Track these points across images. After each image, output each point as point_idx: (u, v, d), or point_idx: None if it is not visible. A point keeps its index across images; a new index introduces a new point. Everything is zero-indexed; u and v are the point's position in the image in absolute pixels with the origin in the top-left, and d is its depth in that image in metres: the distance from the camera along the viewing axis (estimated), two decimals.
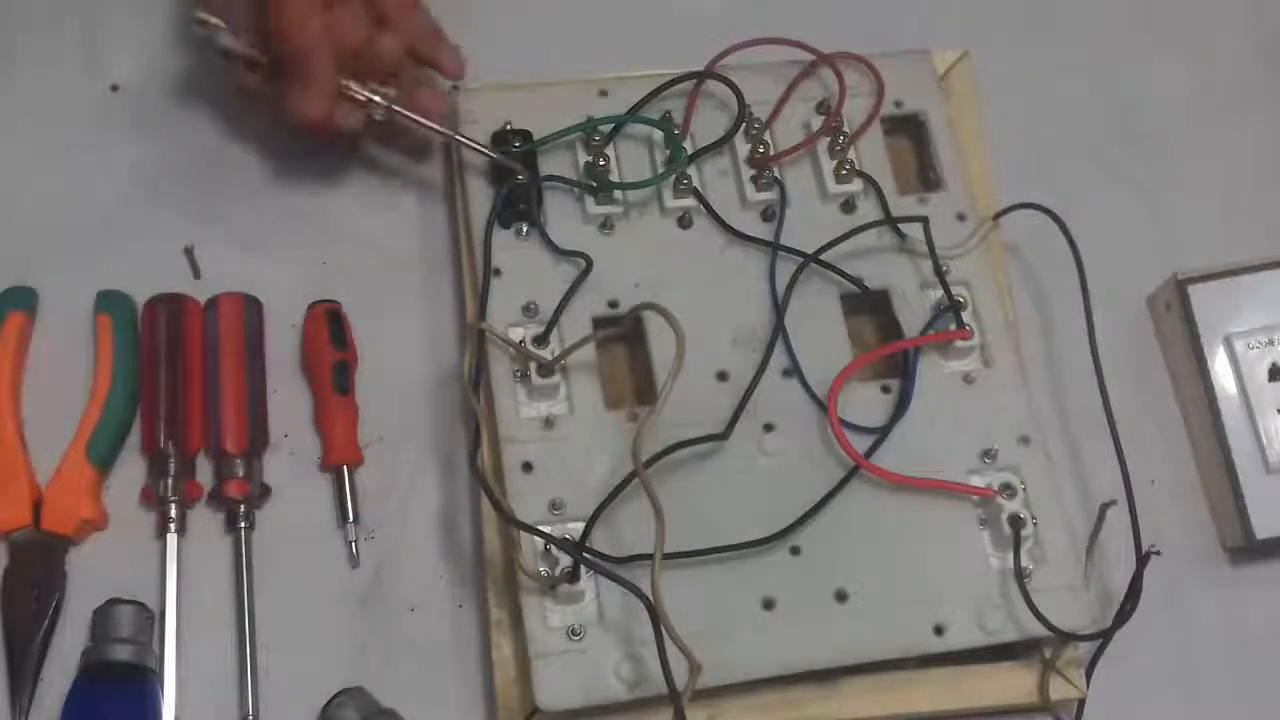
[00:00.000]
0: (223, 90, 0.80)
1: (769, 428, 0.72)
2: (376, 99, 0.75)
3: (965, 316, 0.75)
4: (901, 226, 0.77)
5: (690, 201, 0.77)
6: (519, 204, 0.76)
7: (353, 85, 0.75)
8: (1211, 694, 0.76)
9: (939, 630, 0.70)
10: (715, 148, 0.78)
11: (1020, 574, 0.70)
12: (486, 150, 0.76)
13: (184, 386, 0.75)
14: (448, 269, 0.80)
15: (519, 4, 0.87)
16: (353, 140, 0.79)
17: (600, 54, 0.84)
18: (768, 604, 0.69)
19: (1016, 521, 0.70)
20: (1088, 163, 0.86)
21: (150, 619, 0.71)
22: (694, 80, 0.79)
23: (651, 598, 0.63)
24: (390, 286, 0.80)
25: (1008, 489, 0.72)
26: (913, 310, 0.76)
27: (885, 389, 0.74)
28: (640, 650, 0.67)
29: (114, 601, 0.70)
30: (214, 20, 0.74)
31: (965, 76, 0.84)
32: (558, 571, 0.67)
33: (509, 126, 0.78)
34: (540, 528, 0.68)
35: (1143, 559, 0.71)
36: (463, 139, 0.76)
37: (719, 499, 0.71)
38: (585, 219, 0.77)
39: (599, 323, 0.74)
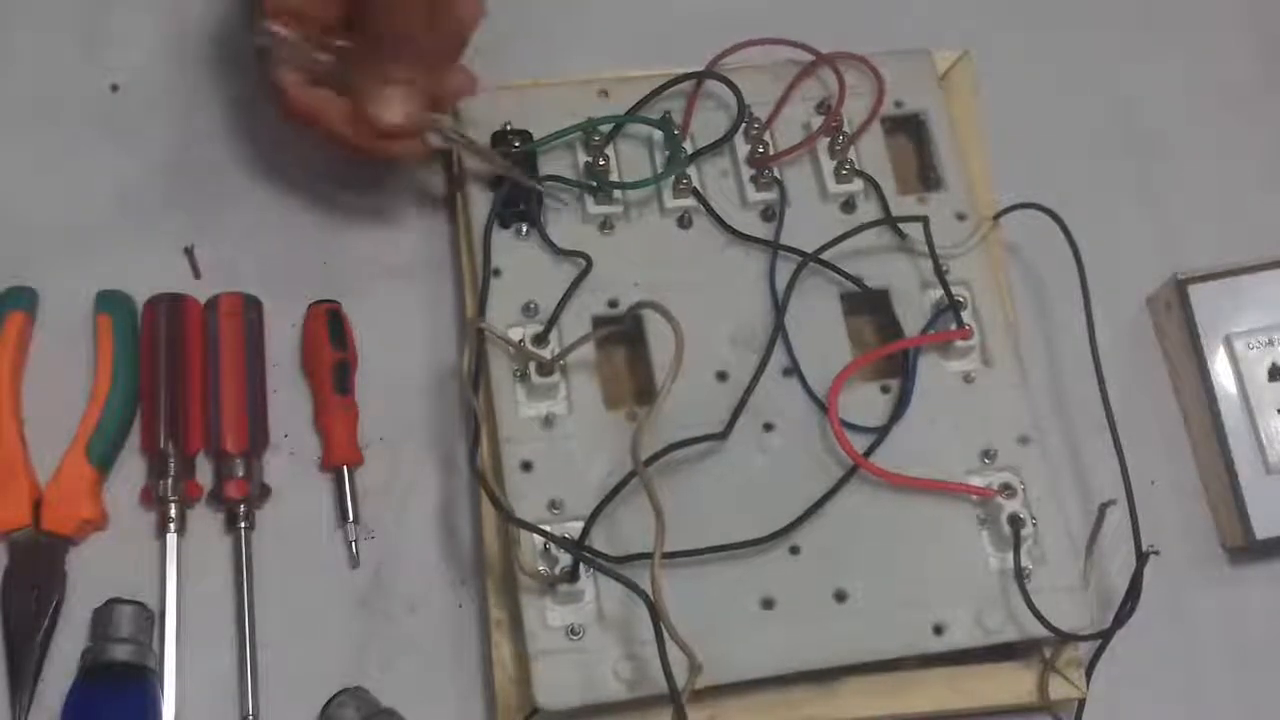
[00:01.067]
0: (229, 89, 0.80)
1: (768, 427, 0.72)
2: (446, 122, 0.75)
3: (965, 316, 0.75)
4: (901, 226, 0.77)
5: (690, 201, 0.77)
6: (518, 204, 0.76)
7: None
8: (1211, 694, 0.76)
9: (938, 630, 0.70)
10: (715, 148, 0.78)
11: (1020, 574, 0.69)
12: (533, 180, 0.76)
13: (184, 386, 0.75)
14: (448, 269, 0.80)
15: (519, 4, 0.87)
16: (407, 161, 0.79)
17: (600, 54, 0.84)
18: (767, 603, 0.69)
19: (1016, 521, 0.70)
20: (1088, 163, 0.86)
21: (150, 619, 0.71)
22: (694, 80, 0.79)
23: (651, 596, 0.63)
24: (390, 286, 0.80)
25: (1007, 489, 0.72)
26: (913, 310, 0.76)
27: (885, 389, 0.74)
28: (640, 649, 0.67)
29: (114, 601, 0.70)
30: (280, 29, 0.71)
31: (965, 76, 0.84)
32: (557, 570, 0.67)
33: (509, 127, 0.78)
34: (540, 526, 0.68)
35: (1142, 559, 0.71)
36: (515, 173, 0.75)
37: (718, 498, 0.71)
38: (585, 219, 0.77)
39: (599, 322, 0.74)
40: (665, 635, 0.63)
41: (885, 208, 0.78)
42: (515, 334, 0.73)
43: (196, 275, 0.79)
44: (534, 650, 0.67)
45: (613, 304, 0.74)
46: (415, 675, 0.72)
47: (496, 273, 0.74)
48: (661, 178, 0.77)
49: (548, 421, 0.72)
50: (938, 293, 0.76)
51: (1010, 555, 0.70)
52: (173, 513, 0.73)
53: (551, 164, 0.77)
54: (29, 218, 0.79)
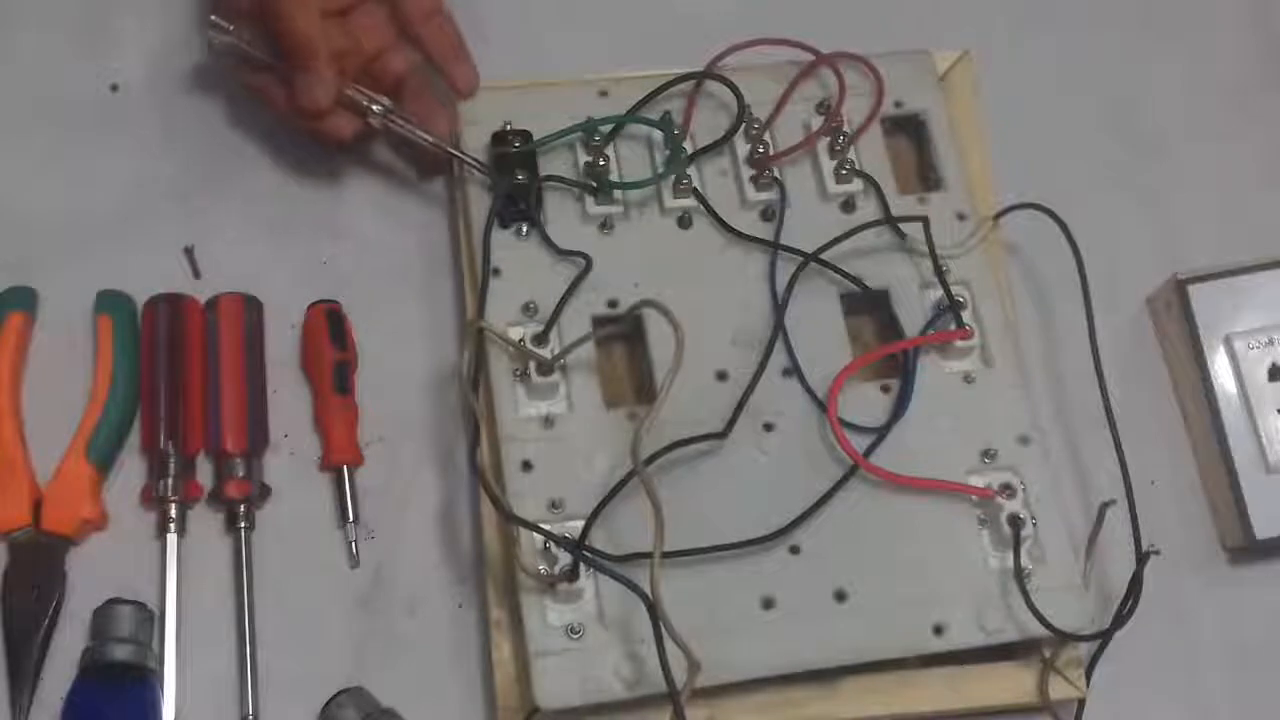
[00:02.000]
0: (229, 89, 0.81)
1: (768, 427, 0.72)
2: (374, 107, 0.76)
3: (965, 316, 0.75)
4: (901, 226, 0.77)
5: (690, 201, 0.77)
6: (519, 204, 0.76)
7: (349, 90, 0.76)
8: (1211, 694, 0.76)
9: (939, 630, 0.70)
10: (715, 148, 0.78)
11: (1020, 574, 0.69)
12: (484, 167, 0.76)
13: (184, 386, 0.75)
14: (448, 269, 0.80)
15: (519, 4, 0.87)
16: (349, 145, 0.79)
17: (600, 54, 0.84)
18: (767, 603, 0.69)
19: (1016, 521, 0.70)
20: (1088, 163, 0.86)
21: (150, 619, 0.71)
22: (694, 80, 0.79)
23: (651, 596, 0.63)
24: (390, 286, 0.80)
25: (1007, 489, 0.72)
26: (913, 310, 0.76)
27: (885, 389, 0.74)
28: (639, 649, 0.67)
29: (114, 601, 0.70)
30: (224, 24, 0.75)
31: (965, 76, 0.84)
32: (557, 570, 0.67)
33: (509, 127, 0.78)
34: (540, 526, 0.68)
35: (1143, 559, 0.71)
36: (461, 155, 0.77)
37: (718, 498, 0.71)
38: (585, 219, 0.77)
39: (599, 322, 0.74)
40: (665, 635, 0.63)
41: (885, 208, 0.78)
42: (515, 334, 0.73)
43: (196, 275, 0.79)
44: (534, 650, 0.67)
45: (613, 304, 0.74)
46: (415, 675, 0.72)
47: (496, 273, 0.74)
48: (661, 178, 0.77)
49: (548, 421, 0.72)
50: (938, 293, 0.76)
51: (1010, 555, 0.70)
52: (173, 513, 0.73)
53: (551, 164, 0.77)
54: (29, 218, 0.79)
